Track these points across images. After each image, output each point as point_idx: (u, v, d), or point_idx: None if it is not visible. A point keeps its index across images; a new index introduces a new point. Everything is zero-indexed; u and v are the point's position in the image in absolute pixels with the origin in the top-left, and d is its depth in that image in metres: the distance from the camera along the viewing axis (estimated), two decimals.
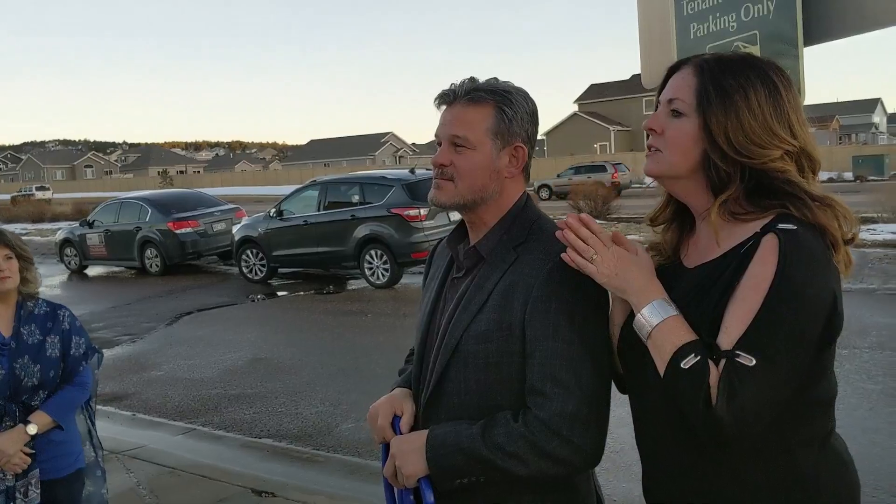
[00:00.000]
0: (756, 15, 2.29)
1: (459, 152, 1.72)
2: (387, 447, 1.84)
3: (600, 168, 36.26)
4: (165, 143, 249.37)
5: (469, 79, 1.77)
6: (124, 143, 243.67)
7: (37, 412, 2.92)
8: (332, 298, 12.49)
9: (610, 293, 1.68)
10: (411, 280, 13.23)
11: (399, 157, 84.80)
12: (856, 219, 1.49)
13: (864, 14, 2.05)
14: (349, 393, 7.07)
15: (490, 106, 1.72)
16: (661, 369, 1.43)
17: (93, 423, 3.28)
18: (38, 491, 2.89)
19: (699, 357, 1.38)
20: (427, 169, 14.46)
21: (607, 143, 62.61)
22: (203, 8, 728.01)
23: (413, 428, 1.79)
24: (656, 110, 1.60)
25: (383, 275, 12.66)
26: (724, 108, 1.47)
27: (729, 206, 1.50)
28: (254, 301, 12.69)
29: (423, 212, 12.26)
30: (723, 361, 1.36)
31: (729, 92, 1.48)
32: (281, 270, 14.66)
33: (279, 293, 13.40)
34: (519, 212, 1.76)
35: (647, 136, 1.61)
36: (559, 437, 1.55)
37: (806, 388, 1.45)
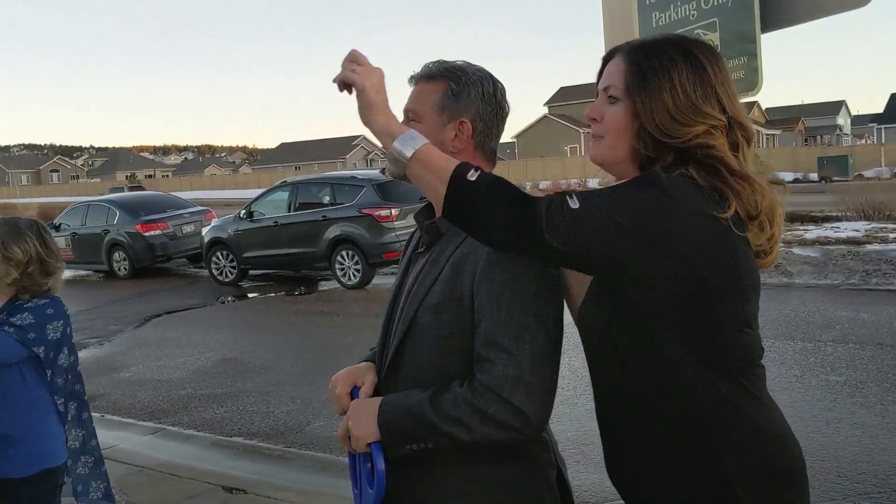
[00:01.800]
0: (715, 3, 2.34)
1: (411, 125, 1.79)
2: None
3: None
4: (133, 147, 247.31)
5: (437, 60, 1.85)
6: (91, 147, 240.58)
7: None
8: (302, 299, 12.45)
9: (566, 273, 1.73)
10: (383, 280, 13.23)
11: (370, 160, 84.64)
12: (772, 199, 1.55)
13: (818, 1, 2.12)
14: (320, 392, 7.03)
15: (441, 82, 1.81)
16: (445, 181, 1.51)
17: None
18: None
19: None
20: None
21: (577, 145, 63.07)
22: (171, 11, 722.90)
23: None
24: (596, 99, 1.68)
25: (354, 275, 12.64)
26: (647, 90, 1.54)
27: None
28: (224, 303, 12.62)
29: (394, 212, 12.27)
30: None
31: (650, 75, 1.55)
32: (251, 272, 14.58)
33: (250, 295, 13.34)
34: None
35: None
36: (500, 399, 1.56)
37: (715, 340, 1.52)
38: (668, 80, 1.53)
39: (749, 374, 1.57)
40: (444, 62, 1.84)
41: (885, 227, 15.24)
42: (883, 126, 55.94)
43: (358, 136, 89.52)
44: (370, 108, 1.65)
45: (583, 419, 5.46)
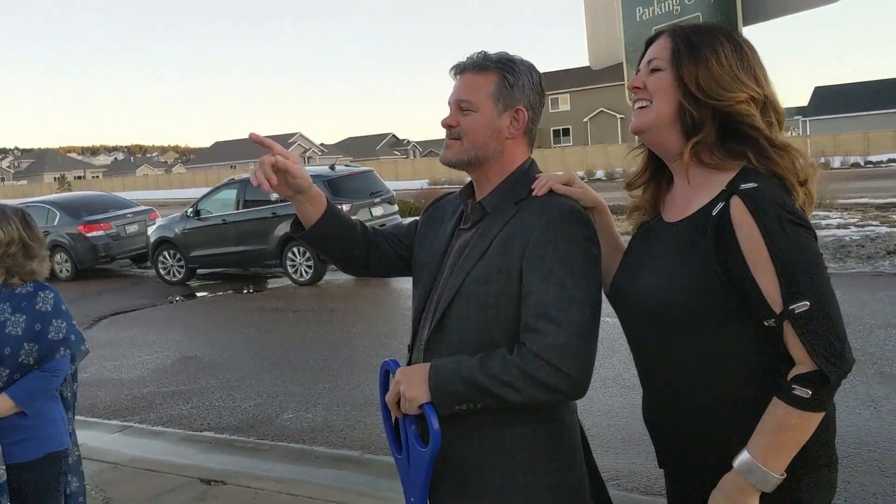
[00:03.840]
0: None
1: (465, 114, 1.92)
2: (384, 386, 1.98)
3: None
4: (61, 147, 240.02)
5: (480, 52, 1.97)
6: (16, 148, 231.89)
7: (0, 395, 2.92)
8: (254, 297, 12.40)
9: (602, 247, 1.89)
10: (335, 277, 13.25)
11: (308, 157, 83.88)
12: (811, 162, 1.70)
13: None
14: (285, 385, 7.10)
15: (494, 73, 1.92)
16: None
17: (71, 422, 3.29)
18: (3, 468, 2.89)
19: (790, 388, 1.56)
20: (346, 165, 14.47)
21: None
22: (95, 8, 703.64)
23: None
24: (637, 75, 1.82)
25: (306, 272, 12.64)
26: (694, 59, 1.69)
27: (700, 154, 1.72)
28: (172, 302, 12.48)
29: (345, 208, 12.29)
30: (787, 323, 1.56)
31: (698, 46, 1.70)
32: (198, 272, 14.43)
33: (198, 294, 13.21)
34: (522, 174, 1.95)
35: (631, 96, 1.82)
36: (550, 366, 1.71)
37: None
38: (713, 52, 1.69)
39: None
40: (489, 54, 1.95)
41: (817, 214, 15.86)
42: (808, 118, 57.80)
43: (295, 134, 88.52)
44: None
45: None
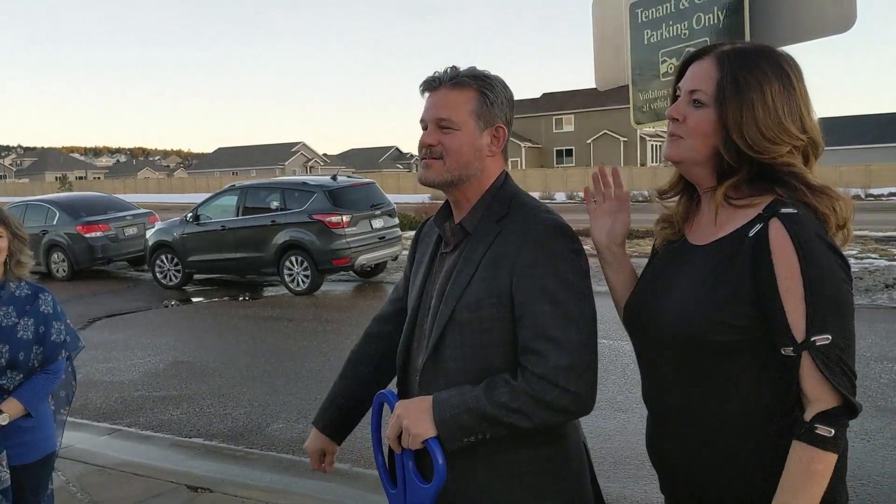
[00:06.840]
0: (707, 24, 2.53)
1: (446, 133, 1.85)
2: (377, 419, 1.94)
3: None
4: (63, 147, 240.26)
5: (451, 67, 1.90)
6: (19, 146, 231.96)
7: (9, 400, 2.90)
8: (250, 304, 12.37)
9: (603, 266, 1.89)
10: (331, 287, 13.23)
11: (310, 167, 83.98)
12: (851, 205, 1.63)
13: (803, 25, 2.31)
14: (277, 394, 7.07)
15: (472, 90, 1.86)
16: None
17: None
18: (8, 473, 2.86)
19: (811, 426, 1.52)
20: (348, 176, 14.49)
21: (518, 159, 63.69)
22: (103, 8, 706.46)
23: (405, 398, 1.90)
24: (675, 99, 1.72)
25: (303, 281, 12.62)
26: (740, 103, 1.58)
27: (727, 191, 1.64)
28: (168, 307, 12.44)
29: (345, 218, 12.30)
30: (806, 353, 1.51)
31: (745, 88, 1.58)
32: (194, 277, 14.40)
33: (194, 299, 13.17)
34: (498, 189, 1.90)
35: (669, 123, 1.72)
36: (557, 387, 1.69)
37: None
38: (760, 95, 1.58)
39: None
40: (461, 69, 1.89)
41: None
42: None
43: (298, 143, 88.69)
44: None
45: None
